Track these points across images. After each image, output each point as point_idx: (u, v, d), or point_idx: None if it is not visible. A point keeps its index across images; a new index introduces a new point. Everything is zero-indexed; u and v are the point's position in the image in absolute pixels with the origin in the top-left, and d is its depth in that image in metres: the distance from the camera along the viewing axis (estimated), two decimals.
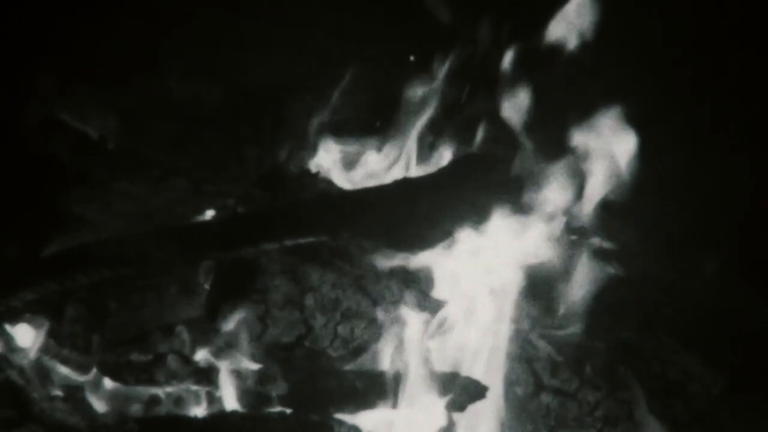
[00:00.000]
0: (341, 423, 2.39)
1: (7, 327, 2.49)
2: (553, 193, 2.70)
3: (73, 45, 3.29)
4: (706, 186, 3.29)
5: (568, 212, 2.81)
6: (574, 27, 2.81)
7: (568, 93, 2.86)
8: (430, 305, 2.64)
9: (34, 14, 3.30)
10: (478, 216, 2.50)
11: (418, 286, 2.70)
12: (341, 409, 2.41)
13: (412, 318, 2.62)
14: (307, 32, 3.55)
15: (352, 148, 3.26)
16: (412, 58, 3.07)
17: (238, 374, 2.45)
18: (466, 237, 2.54)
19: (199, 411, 2.45)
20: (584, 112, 2.84)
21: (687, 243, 3.17)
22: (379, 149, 3.19)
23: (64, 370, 2.48)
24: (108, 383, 2.47)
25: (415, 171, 3.07)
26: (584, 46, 2.85)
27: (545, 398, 2.58)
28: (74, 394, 2.47)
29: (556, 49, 2.84)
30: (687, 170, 3.40)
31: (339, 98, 3.34)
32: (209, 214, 3.06)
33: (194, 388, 2.46)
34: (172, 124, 3.38)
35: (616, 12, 2.81)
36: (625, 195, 3.30)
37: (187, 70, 3.49)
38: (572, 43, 2.84)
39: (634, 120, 3.35)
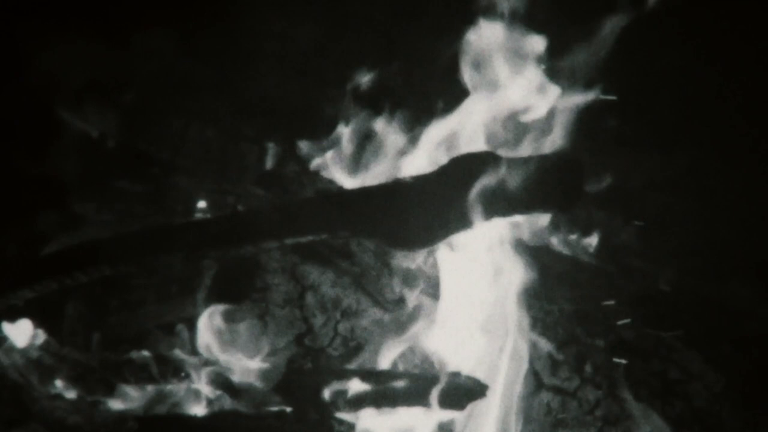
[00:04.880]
0: (341, 421, 2.39)
1: (8, 325, 2.48)
2: (554, 192, 2.70)
3: (76, 46, 3.30)
4: (708, 186, 3.29)
5: (569, 212, 2.81)
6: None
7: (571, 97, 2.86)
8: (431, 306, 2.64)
9: (33, 14, 3.31)
10: (478, 215, 2.49)
11: (418, 285, 2.70)
12: (341, 408, 2.40)
13: (412, 316, 2.62)
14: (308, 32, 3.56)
15: (353, 146, 3.26)
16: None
17: (239, 373, 2.44)
18: (465, 236, 2.54)
19: (199, 410, 2.45)
20: (586, 114, 2.85)
21: (688, 243, 3.17)
22: (381, 147, 3.19)
23: (64, 368, 2.47)
24: (108, 382, 2.47)
25: (415, 169, 3.06)
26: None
27: (545, 397, 2.57)
28: (74, 393, 2.47)
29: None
30: (689, 171, 3.40)
31: (341, 97, 3.34)
32: (209, 212, 3.07)
33: (194, 386, 2.45)
34: (172, 123, 3.38)
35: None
36: (626, 195, 3.30)
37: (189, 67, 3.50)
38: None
39: (637, 123, 3.36)
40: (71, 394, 2.44)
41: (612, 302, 2.68)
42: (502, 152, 2.65)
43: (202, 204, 3.06)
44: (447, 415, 2.47)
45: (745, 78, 3.40)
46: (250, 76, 3.55)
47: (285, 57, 3.61)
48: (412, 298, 2.74)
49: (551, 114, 2.77)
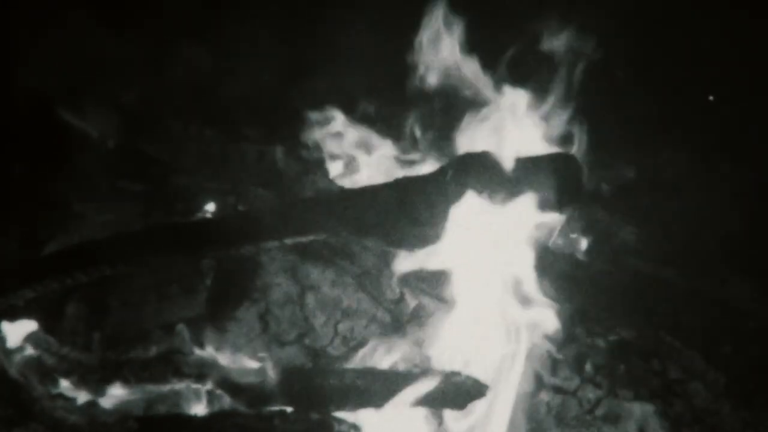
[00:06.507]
0: (341, 421, 2.38)
1: (8, 325, 2.48)
2: (554, 192, 2.70)
3: (75, 45, 3.30)
4: (708, 185, 3.29)
5: (569, 211, 2.81)
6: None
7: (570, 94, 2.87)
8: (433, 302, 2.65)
9: (32, 13, 3.31)
10: (478, 214, 2.50)
11: (418, 284, 2.70)
12: (341, 408, 2.40)
13: (412, 316, 2.62)
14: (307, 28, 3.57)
15: (353, 145, 3.26)
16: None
17: (239, 372, 2.44)
18: (466, 235, 2.54)
19: (199, 409, 2.45)
20: (586, 113, 2.85)
21: (687, 242, 3.17)
22: (381, 147, 3.19)
23: (64, 368, 2.47)
24: (108, 381, 2.47)
25: (416, 169, 3.07)
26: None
27: (545, 396, 2.57)
28: (75, 392, 2.47)
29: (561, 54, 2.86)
30: (688, 170, 3.40)
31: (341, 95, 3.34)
32: (209, 211, 3.07)
33: (194, 386, 2.45)
34: (172, 122, 3.38)
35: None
36: (626, 195, 3.30)
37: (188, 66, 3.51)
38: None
39: (636, 123, 3.36)
40: (71, 394, 2.44)
41: (612, 300, 2.67)
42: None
43: (210, 206, 3.06)
44: (447, 415, 2.47)
45: (746, 74, 3.41)
46: (251, 76, 3.55)
47: (286, 58, 3.61)
48: (412, 298, 2.74)
49: (549, 114, 2.78)
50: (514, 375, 2.50)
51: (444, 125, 3.09)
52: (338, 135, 3.33)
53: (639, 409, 2.53)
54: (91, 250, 2.46)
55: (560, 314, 2.66)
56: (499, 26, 2.99)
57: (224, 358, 2.48)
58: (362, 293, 2.72)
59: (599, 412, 2.55)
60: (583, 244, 3.12)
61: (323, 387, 2.42)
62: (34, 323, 2.52)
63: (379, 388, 2.41)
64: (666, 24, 3.46)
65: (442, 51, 2.84)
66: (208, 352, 2.50)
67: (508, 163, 2.59)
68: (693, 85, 3.50)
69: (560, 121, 2.75)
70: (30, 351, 2.48)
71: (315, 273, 2.73)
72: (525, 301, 2.62)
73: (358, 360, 2.60)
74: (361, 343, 2.64)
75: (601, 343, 2.65)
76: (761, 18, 3.39)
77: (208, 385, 2.44)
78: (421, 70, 2.93)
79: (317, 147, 3.32)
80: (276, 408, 2.40)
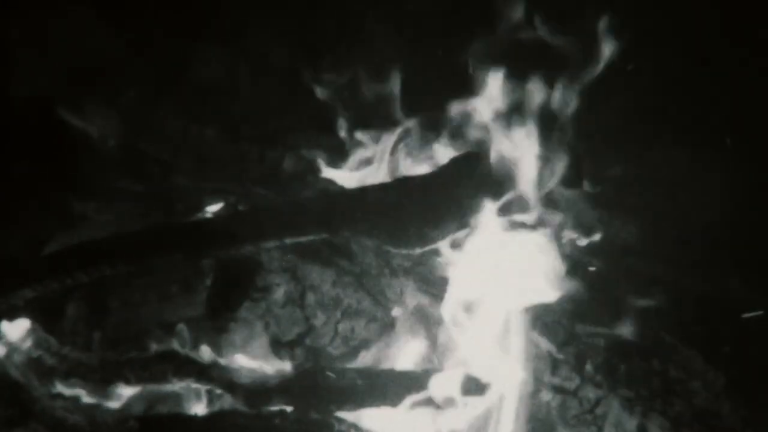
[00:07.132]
0: (341, 421, 2.39)
1: (8, 325, 2.48)
2: (554, 191, 2.70)
3: (76, 44, 3.30)
4: (708, 184, 3.30)
5: (568, 210, 2.81)
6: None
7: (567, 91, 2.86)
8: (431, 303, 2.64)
9: (32, 13, 3.31)
10: (477, 213, 2.50)
11: (418, 284, 2.70)
12: (342, 407, 2.40)
13: (412, 314, 2.62)
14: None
15: (354, 145, 3.27)
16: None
17: (239, 372, 2.44)
18: (465, 234, 2.54)
19: (199, 409, 2.45)
20: (583, 112, 2.85)
21: (687, 241, 3.17)
22: (381, 145, 3.19)
23: (64, 368, 2.47)
24: (108, 381, 2.47)
25: (416, 169, 3.06)
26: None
27: (545, 396, 2.57)
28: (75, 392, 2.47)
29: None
30: (689, 169, 3.40)
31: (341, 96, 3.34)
32: (209, 211, 3.07)
33: (195, 386, 2.45)
34: (172, 122, 3.38)
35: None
36: (626, 194, 3.30)
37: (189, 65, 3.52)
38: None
39: (635, 121, 3.36)
40: (71, 394, 2.44)
41: (612, 300, 2.67)
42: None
43: (210, 206, 3.07)
44: (447, 414, 2.47)
45: (747, 72, 3.41)
46: (252, 76, 3.55)
47: (285, 57, 3.61)
48: (412, 297, 2.74)
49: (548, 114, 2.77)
50: (515, 373, 2.51)
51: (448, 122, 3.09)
52: (340, 133, 3.34)
53: (639, 409, 2.54)
54: (91, 250, 2.46)
55: (561, 314, 2.67)
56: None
57: (224, 358, 2.48)
58: (362, 293, 2.72)
59: (599, 411, 2.55)
60: (584, 244, 3.12)
61: (323, 387, 2.42)
62: (34, 323, 2.52)
63: (379, 388, 2.41)
64: (667, 21, 3.46)
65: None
66: (208, 352, 2.50)
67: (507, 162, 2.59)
68: (694, 83, 3.50)
69: (560, 120, 2.75)
70: (30, 351, 2.48)
71: (315, 273, 2.73)
72: (525, 299, 2.62)
73: (359, 360, 2.60)
74: (362, 343, 2.64)
75: (601, 343, 2.65)
76: (760, 15, 3.39)
77: (208, 385, 2.45)
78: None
79: (318, 146, 3.32)
80: (276, 408, 2.40)
